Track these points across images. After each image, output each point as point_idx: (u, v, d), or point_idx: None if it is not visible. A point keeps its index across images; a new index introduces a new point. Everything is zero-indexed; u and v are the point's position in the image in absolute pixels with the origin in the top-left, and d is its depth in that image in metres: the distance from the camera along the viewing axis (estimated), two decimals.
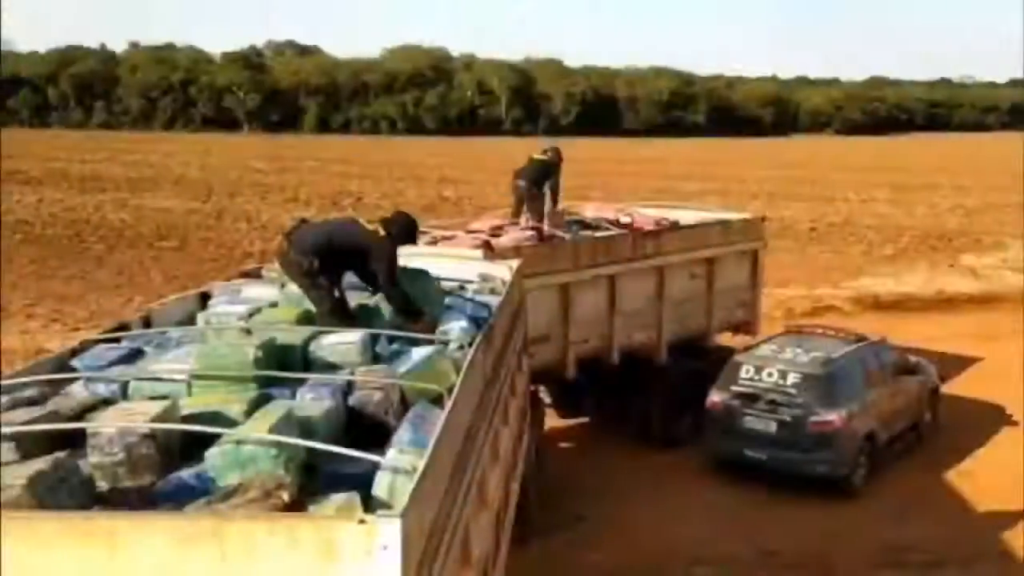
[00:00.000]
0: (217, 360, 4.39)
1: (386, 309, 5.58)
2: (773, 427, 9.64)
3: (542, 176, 11.02)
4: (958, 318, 17.54)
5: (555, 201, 11.02)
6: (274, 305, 5.93)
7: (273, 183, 38.81)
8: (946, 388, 12.13)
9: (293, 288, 6.02)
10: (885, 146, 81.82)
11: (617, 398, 11.21)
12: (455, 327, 5.48)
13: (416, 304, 5.50)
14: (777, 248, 23.13)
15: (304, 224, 5.89)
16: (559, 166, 11.14)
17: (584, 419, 11.81)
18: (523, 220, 10.89)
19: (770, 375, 9.80)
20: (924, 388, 11.22)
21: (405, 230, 5.72)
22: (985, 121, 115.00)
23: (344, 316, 5.47)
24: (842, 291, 19.59)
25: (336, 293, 5.55)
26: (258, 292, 6.26)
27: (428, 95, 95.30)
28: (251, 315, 5.59)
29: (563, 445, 11.27)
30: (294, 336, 4.92)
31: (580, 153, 62.95)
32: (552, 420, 11.20)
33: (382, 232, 5.56)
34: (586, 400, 11.52)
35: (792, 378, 9.68)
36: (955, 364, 13.66)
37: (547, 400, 11.10)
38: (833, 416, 9.48)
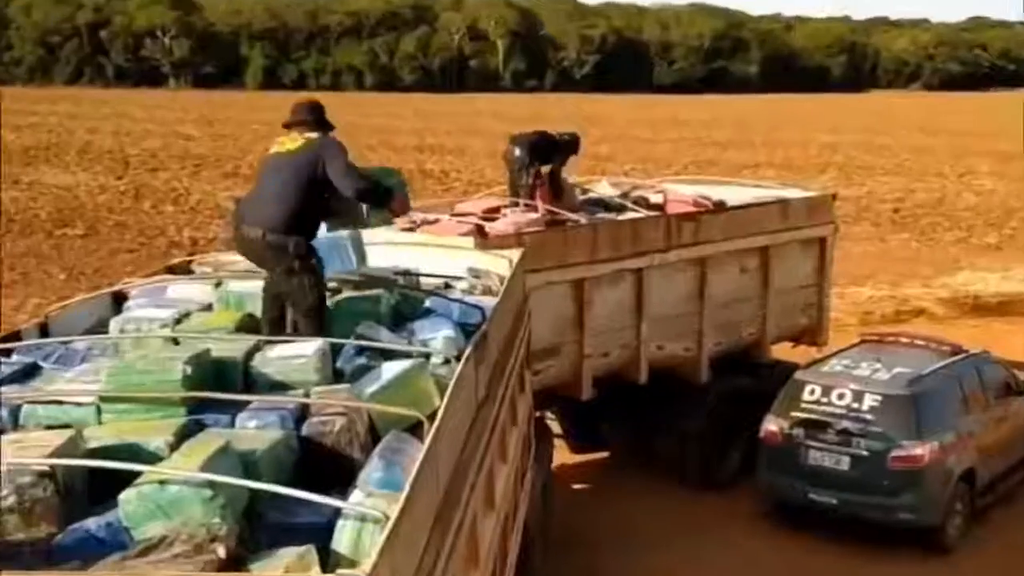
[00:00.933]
0: (135, 378, 4.40)
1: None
2: (845, 463, 9.66)
3: (545, 151, 11.04)
4: None
5: (554, 189, 11.06)
6: (208, 309, 5.95)
7: (207, 153, 38.85)
8: None
9: (232, 287, 6.04)
10: (988, 105, 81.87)
11: (644, 427, 11.22)
12: (439, 336, 5.50)
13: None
14: (852, 235, 23.23)
15: (255, 200, 5.97)
16: (571, 153, 11.19)
17: (602, 453, 11.83)
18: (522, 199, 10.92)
19: (841, 397, 9.82)
20: None
21: (317, 118, 5.97)
22: None
23: (324, 319, 5.57)
24: (934, 290, 19.63)
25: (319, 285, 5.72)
26: (187, 292, 6.29)
27: (404, 41, 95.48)
28: (178, 321, 5.62)
29: (576, 485, 11.28)
30: (233, 348, 4.94)
31: (599, 114, 63.34)
32: (562, 454, 11.21)
33: (313, 133, 5.86)
34: (605, 429, 11.54)
35: (869, 401, 9.70)
36: None
37: (556, 429, 11.12)
38: (921, 450, 9.50)
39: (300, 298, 5.63)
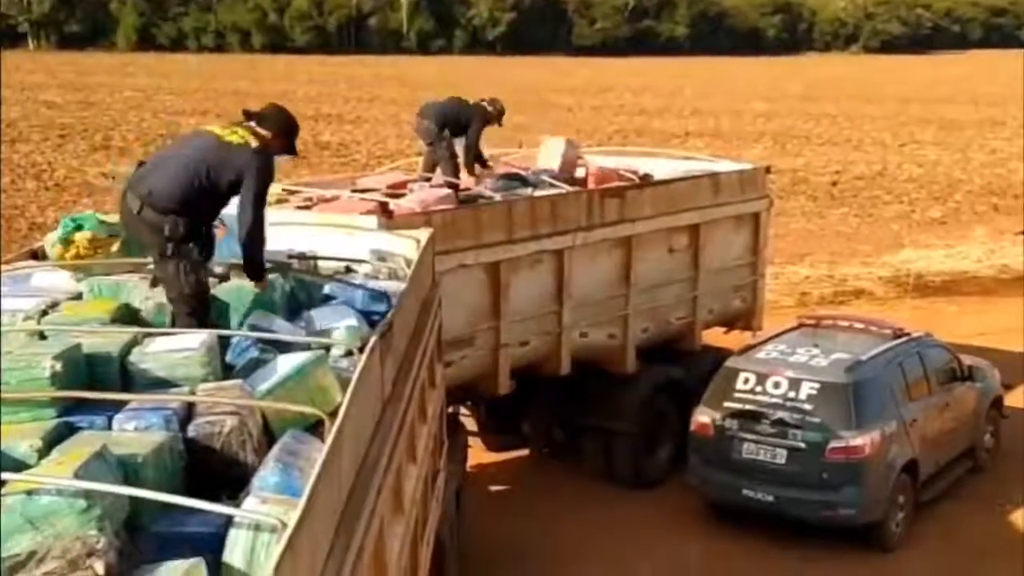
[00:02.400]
0: None
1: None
2: (781, 457, 9.85)
3: (458, 121, 11.10)
4: None
5: (468, 159, 11.13)
6: (77, 298, 5.86)
7: (73, 123, 38.01)
8: (1012, 399, 12.55)
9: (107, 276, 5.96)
10: (931, 69, 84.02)
11: (568, 422, 11.34)
12: (340, 325, 5.50)
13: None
14: (787, 211, 23.71)
15: (150, 165, 5.91)
16: (489, 123, 11.25)
17: (522, 451, 11.93)
18: (436, 175, 10.95)
19: (777, 386, 10.01)
20: (983, 400, 11.60)
21: (285, 131, 5.91)
22: None
23: (207, 308, 5.53)
24: (875, 269, 20.14)
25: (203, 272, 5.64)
26: (53, 280, 6.18)
27: None
28: (45, 312, 5.52)
29: (493, 488, 11.36)
30: (108, 342, 4.88)
31: (514, 78, 63.33)
32: (478, 453, 11.27)
33: (254, 141, 5.71)
34: (525, 425, 11.62)
35: (806, 390, 9.89)
36: None
37: (471, 426, 11.18)
38: (861, 440, 9.72)
39: (172, 285, 5.55)
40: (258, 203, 5.68)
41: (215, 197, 5.71)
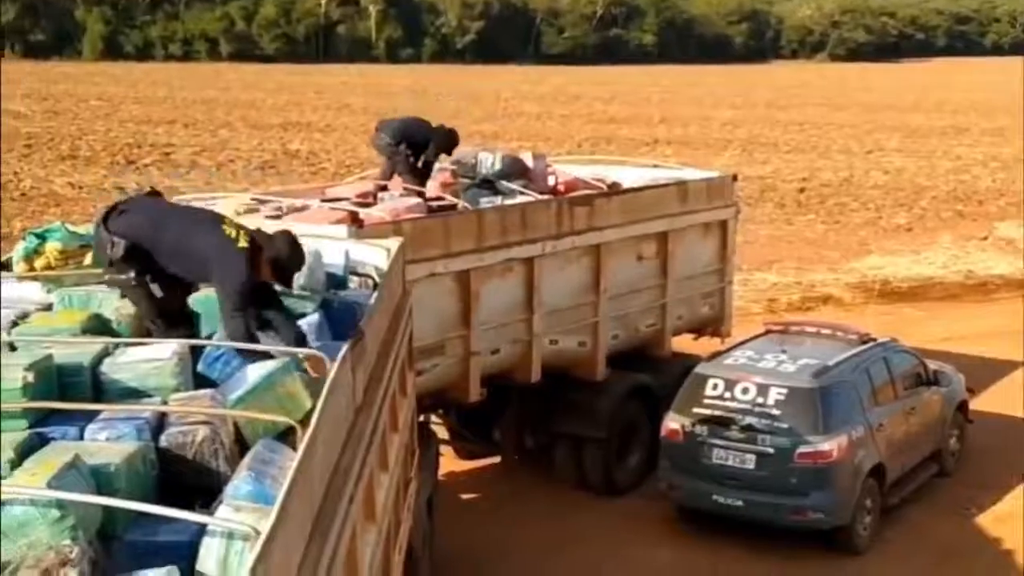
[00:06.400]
0: None
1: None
2: (750, 462, 9.92)
3: (414, 138, 11.16)
4: (993, 309, 18.37)
5: (424, 178, 11.19)
6: (48, 308, 5.85)
7: (40, 132, 37.71)
8: (976, 404, 12.69)
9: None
10: (896, 77, 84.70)
11: (538, 429, 11.37)
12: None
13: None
14: (755, 218, 23.84)
15: (143, 197, 5.99)
16: (445, 148, 11.31)
17: (493, 459, 11.95)
18: (396, 184, 10.98)
19: (746, 392, 10.08)
20: (948, 404, 11.72)
21: (282, 255, 5.56)
22: None
23: (173, 321, 5.52)
24: (842, 275, 20.28)
25: (158, 291, 5.57)
26: (23, 292, 6.16)
27: (265, 5, 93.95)
28: (14, 324, 5.51)
29: (465, 496, 11.38)
30: (79, 352, 4.89)
31: (483, 87, 63.37)
32: (449, 461, 11.29)
33: (242, 243, 5.46)
34: (496, 433, 11.64)
35: (775, 395, 9.97)
36: (989, 371, 14.31)
37: (442, 434, 11.19)
38: (829, 445, 9.80)
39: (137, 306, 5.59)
40: (231, 311, 5.35)
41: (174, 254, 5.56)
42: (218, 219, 5.76)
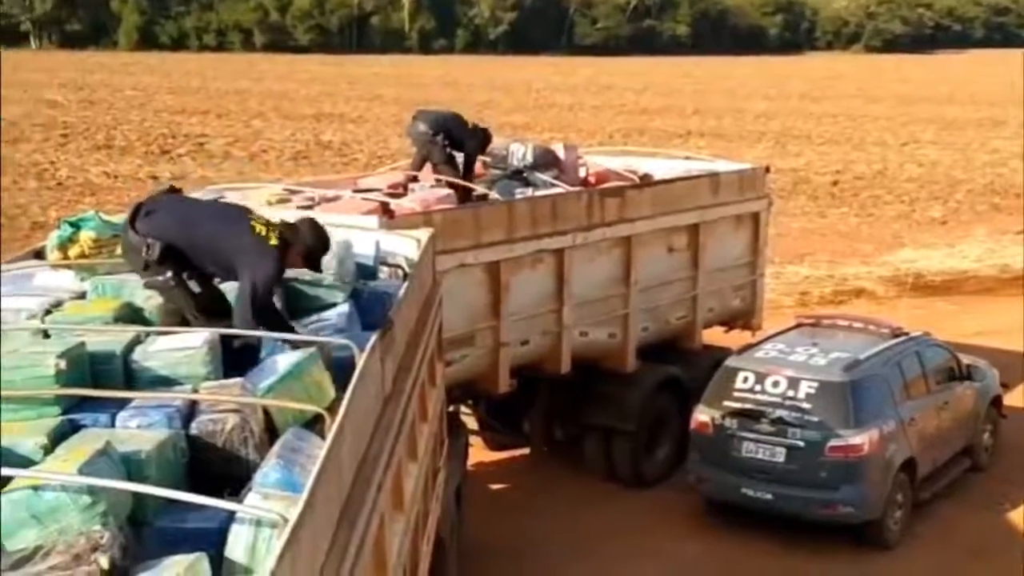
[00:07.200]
0: (2, 375, 4.36)
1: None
2: (780, 455, 9.89)
3: (451, 132, 11.12)
4: None
5: (468, 174, 11.18)
6: (81, 297, 5.90)
7: (75, 122, 38.02)
8: (1011, 399, 12.58)
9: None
10: (932, 68, 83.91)
11: (568, 420, 11.37)
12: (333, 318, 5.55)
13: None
14: (787, 210, 23.71)
15: (167, 195, 5.95)
16: (480, 145, 11.27)
17: (522, 450, 11.96)
18: (428, 174, 10.98)
19: (776, 385, 10.04)
20: (981, 399, 11.64)
21: (309, 249, 5.67)
22: None
23: (213, 315, 5.53)
24: (874, 269, 20.14)
25: (196, 287, 5.60)
26: (57, 280, 6.21)
27: None
28: (48, 312, 5.55)
29: (493, 486, 11.40)
30: (111, 340, 4.92)
31: (515, 78, 63.30)
32: (478, 452, 11.30)
33: (273, 240, 5.55)
34: (525, 424, 11.66)
35: (805, 388, 9.93)
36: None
37: (472, 425, 11.21)
38: (860, 439, 9.76)
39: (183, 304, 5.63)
40: (248, 305, 5.40)
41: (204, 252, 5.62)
42: (245, 214, 5.80)
